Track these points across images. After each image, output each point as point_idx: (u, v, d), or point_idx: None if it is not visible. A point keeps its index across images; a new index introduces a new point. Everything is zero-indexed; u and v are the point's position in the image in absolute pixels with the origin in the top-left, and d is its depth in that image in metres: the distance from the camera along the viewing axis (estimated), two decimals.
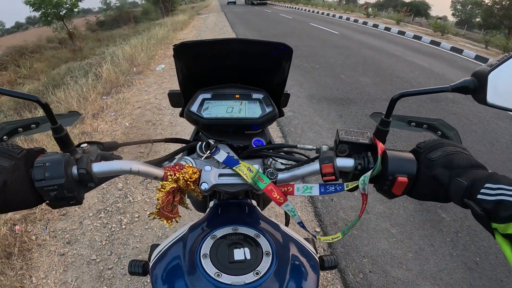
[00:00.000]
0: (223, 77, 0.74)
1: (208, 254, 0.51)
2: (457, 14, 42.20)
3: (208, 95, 0.71)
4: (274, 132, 3.73)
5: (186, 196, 0.61)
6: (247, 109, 0.70)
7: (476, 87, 0.53)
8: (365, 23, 16.51)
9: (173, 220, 0.57)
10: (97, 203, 2.46)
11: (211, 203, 0.70)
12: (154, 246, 0.65)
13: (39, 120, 0.60)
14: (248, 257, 0.51)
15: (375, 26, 15.46)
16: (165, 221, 0.56)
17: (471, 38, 18.14)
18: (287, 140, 3.54)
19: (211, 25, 13.64)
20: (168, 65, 6.45)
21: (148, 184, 2.65)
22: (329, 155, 0.57)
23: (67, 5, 18.85)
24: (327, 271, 1.84)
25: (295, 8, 29.61)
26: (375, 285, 1.89)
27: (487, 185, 0.42)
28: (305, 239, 0.67)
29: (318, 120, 4.09)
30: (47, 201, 0.49)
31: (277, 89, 0.74)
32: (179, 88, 0.74)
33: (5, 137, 0.58)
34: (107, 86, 5.16)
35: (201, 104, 0.70)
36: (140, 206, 2.45)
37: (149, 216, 0.64)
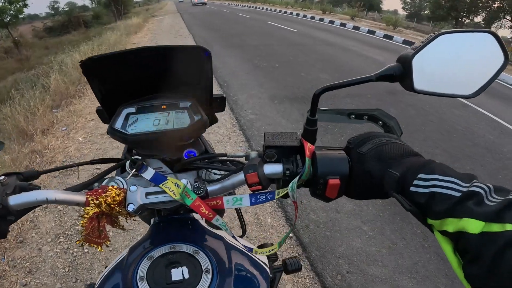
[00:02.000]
0: (146, 88, 0.69)
1: (145, 276, 0.50)
2: (407, 7, 44.57)
3: (133, 109, 0.66)
4: (237, 136, 3.65)
5: (118, 218, 0.59)
6: (175, 119, 0.66)
7: (402, 74, 0.50)
8: (321, 19, 16.89)
9: (103, 244, 0.55)
10: (54, 227, 2.28)
11: (152, 220, 0.68)
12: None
13: None
14: (186, 276, 0.50)
15: (331, 22, 15.86)
16: (94, 246, 0.54)
17: (421, 31, 19.18)
18: (251, 144, 3.47)
19: (167, 27, 13.28)
20: None
21: None
22: (254, 163, 0.54)
23: (12, 12, 17.62)
24: (293, 274, 1.84)
25: (253, 7, 29.79)
26: (354, 286, 1.90)
27: (420, 175, 0.39)
28: (259, 246, 0.65)
29: (281, 121, 4.06)
30: None
31: (204, 94, 0.70)
32: None
33: None
34: (56, 98, 4.80)
35: (126, 120, 0.66)
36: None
37: (76, 243, 0.61)
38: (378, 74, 0.52)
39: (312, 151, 0.52)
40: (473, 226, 0.32)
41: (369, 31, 13.18)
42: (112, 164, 0.68)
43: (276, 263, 0.77)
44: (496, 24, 22.13)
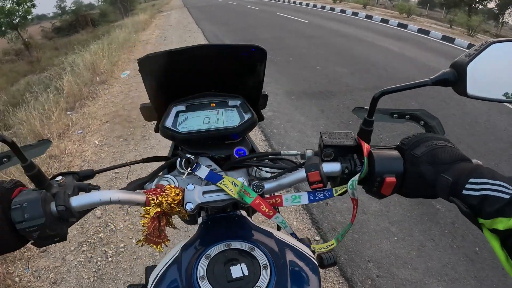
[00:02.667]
0: (196, 86, 0.70)
1: (205, 275, 0.50)
2: None
3: (182, 107, 0.68)
4: (256, 135, 3.54)
5: (172, 216, 0.59)
6: (225, 117, 0.67)
7: (456, 79, 0.52)
8: (332, 9, 16.52)
9: (163, 244, 0.56)
10: (77, 235, 2.24)
11: (200, 219, 0.69)
12: (149, 269, 0.64)
13: (9, 154, 0.56)
14: (246, 273, 0.50)
15: (343, 11, 15.48)
16: (154, 246, 0.55)
17: (434, 18, 18.64)
18: (271, 143, 3.36)
19: (174, 22, 13.05)
20: (133, 71, 6.05)
21: (129, 209, 2.44)
22: (315, 162, 0.55)
23: (20, 13, 17.64)
24: (327, 270, 1.79)
25: None
26: None
27: (471, 179, 0.42)
28: (299, 240, 0.67)
29: (300, 118, 3.93)
30: (32, 241, 0.48)
31: (253, 92, 0.70)
32: (149, 101, 0.71)
33: None
34: (70, 100, 4.76)
35: (176, 118, 0.67)
36: (124, 234, 2.25)
37: (137, 244, 0.60)
38: (434, 79, 0.52)
39: (368, 150, 0.53)
40: None
41: (383, 20, 12.80)
42: (162, 163, 0.67)
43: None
44: (510, 10, 21.30)
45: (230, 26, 11.26)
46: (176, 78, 0.67)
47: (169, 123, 0.65)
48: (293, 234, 0.63)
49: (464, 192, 0.42)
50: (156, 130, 0.72)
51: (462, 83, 0.51)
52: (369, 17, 13.59)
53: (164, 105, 0.69)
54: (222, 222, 0.65)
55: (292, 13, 14.16)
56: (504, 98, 0.51)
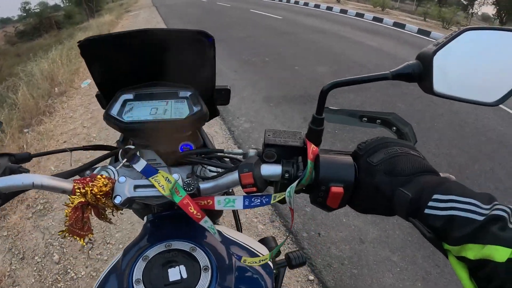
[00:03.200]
0: (146, 75, 0.65)
1: (141, 278, 0.49)
2: None
3: (130, 96, 0.63)
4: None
5: (105, 210, 0.55)
6: (173, 109, 0.62)
7: (421, 73, 0.46)
8: (306, 4, 16.29)
9: (86, 237, 0.53)
10: (34, 284, 1.97)
11: (145, 218, 0.67)
12: None
13: None
14: (185, 275, 0.49)
15: (317, 6, 15.27)
16: (77, 239, 0.51)
17: (406, 10, 18.76)
18: None
19: (142, 23, 12.22)
20: None
21: (90, 252, 2.11)
22: (250, 162, 0.50)
23: None
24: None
25: None
26: None
27: (435, 196, 0.35)
28: (260, 240, 0.68)
29: (281, 129, 3.57)
30: None
31: (206, 84, 0.66)
32: None
33: None
34: (26, 116, 4.23)
35: (123, 107, 0.62)
36: (87, 283, 1.97)
37: (59, 234, 0.56)
38: (394, 72, 0.48)
39: (315, 153, 0.48)
40: (500, 253, 0.29)
41: (358, 14, 12.67)
42: (106, 152, 0.66)
43: (278, 258, 0.76)
44: (478, 0, 21.79)
45: (201, 25, 10.76)
46: (121, 64, 0.63)
47: (114, 111, 0.61)
48: (229, 237, 0.62)
49: (427, 211, 0.35)
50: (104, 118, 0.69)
51: (428, 78, 0.44)
52: (344, 11, 13.41)
53: (112, 93, 0.64)
54: (167, 221, 0.62)
55: (266, 10, 13.78)
56: (473, 98, 0.45)
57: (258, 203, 0.51)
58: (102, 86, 0.65)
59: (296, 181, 0.47)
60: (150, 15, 14.20)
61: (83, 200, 0.50)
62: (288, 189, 0.47)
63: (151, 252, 0.52)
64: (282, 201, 0.49)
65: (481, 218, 0.32)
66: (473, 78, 0.44)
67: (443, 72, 0.44)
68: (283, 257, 0.76)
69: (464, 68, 0.44)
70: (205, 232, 0.57)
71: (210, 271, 0.49)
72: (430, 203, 0.35)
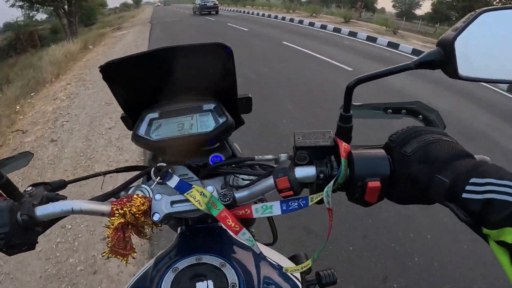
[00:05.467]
0: (168, 91, 0.64)
1: None
2: (397, 5, 43.02)
3: (156, 114, 0.63)
4: None
5: (144, 228, 0.56)
6: (199, 123, 0.62)
7: (443, 59, 0.45)
8: (311, 24, 14.95)
9: (129, 256, 0.54)
10: None
11: (179, 229, 0.67)
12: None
13: None
14: None
15: (323, 27, 13.83)
16: (120, 258, 0.53)
17: (415, 31, 17.38)
18: None
19: (118, 53, 8.79)
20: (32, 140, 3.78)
21: None
22: (284, 166, 0.51)
23: None
24: None
25: (244, 12, 26.13)
26: None
27: (472, 179, 0.35)
28: (291, 257, 0.70)
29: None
30: (3, 249, 0.49)
31: (228, 95, 0.65)
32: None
33: None
34: None
35: (150, 125, 0.62)
36: None
37: (102, 256, 0.53)
38: (417, 61, 0.46)
39: (347, 150, 0.48)
40: None
41: (369, 38, 11.18)
42: (138, 172, 0.66)
43: (309, 276, 0.75)
44: None
45: None
46: (144, 84, 0.63)
47: (142, 131, 0.62)
48: (261, 254, 0.58)
49: (464, 195, 0.35)
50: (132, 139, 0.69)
51: (452, 63, 0.43)
52: (353, 33, 11.93)
53: (137, 113, 0.64)
54: (200, 234, 0.64)
55: (308, 43, 9.59)
56: (503, 77, 0.45)
57: (296, 207, 0.51)
58: (126, 108, 0.65)
59: (333, 180, 0.47)
60: (139, 36, 12.40)
61: (123, 221, 0.52)
62: (326, 189, 0.46)
63: (181, 264, 0.52)
64: (319, 202, 0.48)
65: None
66: (496, 58, 0.44)
67: (465, 56, 0.43)
68: (313, 275, 0.75)
69: (486, 49, 0.44)
70: (236, 248, 0.58)
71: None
72: (468, 187, 0.35)
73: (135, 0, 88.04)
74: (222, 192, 0.53)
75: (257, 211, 0.51)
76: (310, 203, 0.49)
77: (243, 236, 0.51)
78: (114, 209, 0.51)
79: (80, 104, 5.10)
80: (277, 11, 24.08)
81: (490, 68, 0.44)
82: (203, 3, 22.50)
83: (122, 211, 0.51)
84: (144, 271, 0.57)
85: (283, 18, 18.02)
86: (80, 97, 5.47)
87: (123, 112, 0.67)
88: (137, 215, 0.51)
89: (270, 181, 0.51)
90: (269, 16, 20.27)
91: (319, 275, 0.66)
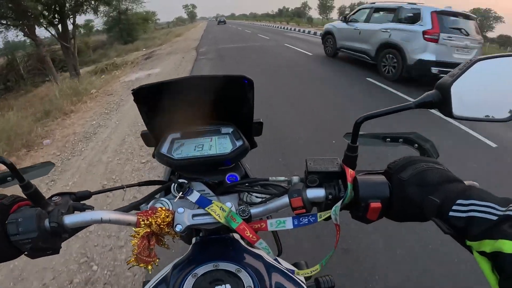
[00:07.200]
0: (191, 115, 0.69)
1: None
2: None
3: (178, 135, 0.69)
4: None
5: (163, 237, 0.60)
6: (218, 145, 0.68)
7: (440, 101, 0.50)
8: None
9: (153, 264, 0.56)
10: None
11: (194, 239, 0.69)
12: (145, 283, 0.64)
13: (8, 176, 0.58)
14: None
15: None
16: (144, 266, 0.55)
17: None
18: None
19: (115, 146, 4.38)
20: None
21: None
22: (298, 188, 0.55)
23: None
24: None
25: (305, 31, 21.85)
26: None
27: (458, 201, 0.41)
28: (294, 264, 0.73)
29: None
30: (26, 253, 0.51)
31: (245, 120, 0.71)
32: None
33: None
34: None
35: (171, 144, 0.68)
36: None
37: (127, 263, 0.57)
38: (417, 102, 0.51)
39: (353, 176, 0.53)
40: (508, 246, 0.34)
41: None
42: (158, 186, 0.69)
43: (308, 282, 0.79)
44: None
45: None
46: (170, 107, 0.66)
47: (164, 149, 0.67)
48: (275, 260, 0.62)
49: (451, 213, 0.41)
50: (154, 156, 0.73)
51: (447, 104, 0.49)
52: None
53: (160, 132, 0.69)
54: (214, 244, 0.66)
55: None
56: (488, 117, 0.50)
57: (306, 222, 0.55)
58: (151, 127, 0.69)
59: (340, 201, 0.52)
60: (172, 74, 7.93)
61: (148, 230, 0.54)
62: (334, 208, 0.51)
63: (200, 270, 0.54)
64: (327, 219, 0.53)
65: (495, 218, 0.36)
66: (487, 100, 0.49)
67: (459, 99, 0.47)
68: (312, 281, 0.79)
69: (478, 93, 0.49)
70: (247, 255, 0.60)
71: None
72: (454, 207, 0.40)
73: (189, 15, 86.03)
74: (241, 208, 0.57)
75: (272, 225, 0.55)
76: (319, 219, 0.54)
77: (260, 245, 0.55)
78: (140, 219, 0.54)
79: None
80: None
81: (481, 109, 0.49)
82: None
83: (148, 222, 0.54)
84: (161, 277, 0.58)
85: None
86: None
87: (144, 129, 0.72)
88: (162, 225, 0.55)
89: (284, 200, 0.56)
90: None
91: (318, 281, 0.69)
